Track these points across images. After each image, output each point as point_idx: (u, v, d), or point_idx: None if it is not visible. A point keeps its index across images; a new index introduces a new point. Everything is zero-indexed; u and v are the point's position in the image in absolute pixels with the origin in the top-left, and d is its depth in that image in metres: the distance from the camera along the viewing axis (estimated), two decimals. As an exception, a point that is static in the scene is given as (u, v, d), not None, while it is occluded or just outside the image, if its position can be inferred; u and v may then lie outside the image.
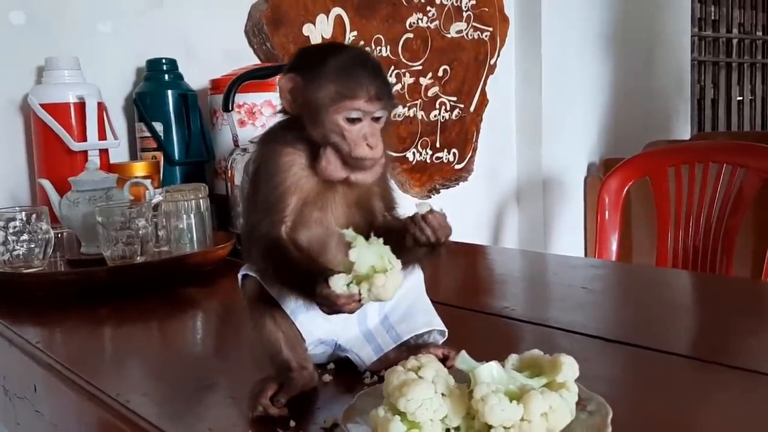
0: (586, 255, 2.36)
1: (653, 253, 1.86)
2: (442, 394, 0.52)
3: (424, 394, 0.51)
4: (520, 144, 2.36)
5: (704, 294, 1.16)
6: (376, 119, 0.68)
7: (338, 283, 0.61)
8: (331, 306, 0.61)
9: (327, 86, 0.67)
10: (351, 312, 0.62)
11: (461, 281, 1.30)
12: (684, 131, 2.76)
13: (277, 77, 1.51)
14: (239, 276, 0.71)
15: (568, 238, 2.38)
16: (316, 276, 0.62)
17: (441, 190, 2.17)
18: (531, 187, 2.36)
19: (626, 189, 1.87)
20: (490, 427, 0.50)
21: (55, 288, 1.12)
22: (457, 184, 2.21)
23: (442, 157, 2.15)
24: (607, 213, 1.86)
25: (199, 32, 1.72)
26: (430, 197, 2.15)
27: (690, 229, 1.81)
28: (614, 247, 1.86)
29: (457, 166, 2.19)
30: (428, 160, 2.12)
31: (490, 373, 0.52)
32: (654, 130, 2.59)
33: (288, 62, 0.74)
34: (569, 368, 0.55)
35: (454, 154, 2.18)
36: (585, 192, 2.44)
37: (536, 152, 2.33)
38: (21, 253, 1.19)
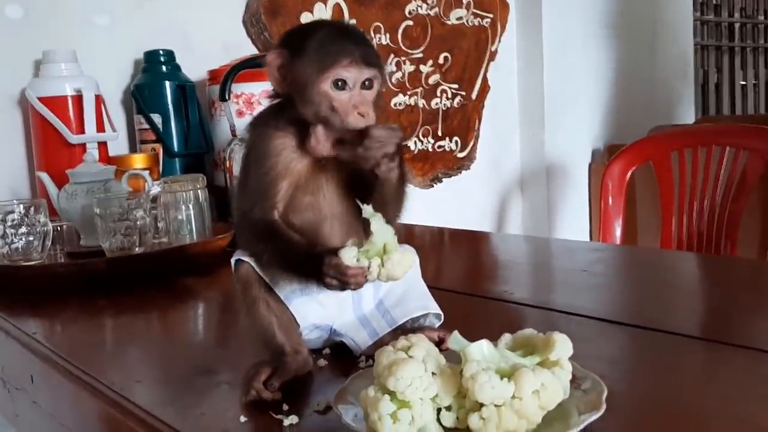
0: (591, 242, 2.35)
1: (659, 238, 1.84)
2: (433, 373, 0.52)
3: (414, 373, 0.50)
4: (522, 131, 2.35)
5: (707, 274, 1.15)
6: (366, 87, 0.67)
7: (349, 255, 0.60)
8: (339, 277, 0.61)
9: (311, 57, 0.66)
10: (357, 286, 0.62)
11: (462, 267, 1.29)
12: (688, 116, 2.74)
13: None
14: (232, 261, 0.70)
15: (573, 226, 2.36)
16: (322, 252, 0.62)
17: (443, 179, 2.16)
18: (534, 174, 2.35)
19: (629, 174, 1.86)
20: (482, 405, 0.50)
21: (54, 280, 1.11)
22: (460, 172, 2.19)
23: (444, 146, 2.14)
24: (610, 199, 1.85)
25: (197, 23, 1.71)
26: (433, 186, 2.14)
27: (694, 214, 1.79)
28: (618, 233, 1.85)
29: (460, 155, 2.18)
30: (430, 149, 2.11)
31: (480, 351, 0.52)
32: (658, 116, 2.57)
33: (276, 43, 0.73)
34: (562, 346, 0.54)
35: (456, 142, 2.16)
36: (589, 179, 2.42)
37: (539, 139, 2.31)
38: (20, 246, 1.19)
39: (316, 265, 0.62)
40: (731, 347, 0.72)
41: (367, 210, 0.62)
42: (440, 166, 2.14)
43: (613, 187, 1.85)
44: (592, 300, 0.94)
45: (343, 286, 0.62)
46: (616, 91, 2.49)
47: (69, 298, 1.07)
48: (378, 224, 0.62)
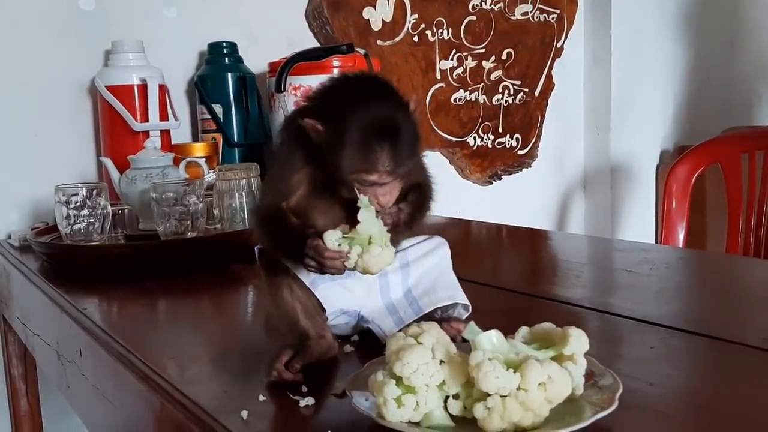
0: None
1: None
2: (441, 361, 0.52)
3: (421, 359, 0.50)
4: (587, 130, 2.30)
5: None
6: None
7: (331, 238, 0.61)
8: (317, 258, 0.62)
9: (345, 156, 0.65)
10: (333, 270, 0.63)
11: (517, 265, 1.28)
12: (767, 118, 2.62)
13: (332, 59, 1.53)
14: (256, 249, 0.72)
15: (638, 228, 2.30)
16: (310, 232, 0.64)
17: (503, 177, 2.14)
18: (598, 174, 2.30)
19: (696, 176, 1.79)
20: (488, 395, 0.49)
21: (108, 260, 1.16)
22: (520, 170, 2.17)
23: (504, 143, 2.12)
24: (674, 202, 1.80)
25: (261, 16, 1.75)
26: (492, 183, 2.12)
27: (763, 218, 1.72)
28: (681, 236, 1.79)
29: (520, 152, 2.15)
30: (490, 146, 2.09)
31: (489, 340, 0.51)
32: (735, 117, 2.47)
33: (313, 93, 0.72)
34: (577, 341, 0.54)
35: (517, 139, 2.14)
36: (657, 181, 2.35)
37: (604, 138, 2.26)
38: (81, 227, 1.24)
39: (300, 246, 0.63)
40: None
41: (363, 200, 0.63)
42: (500, 163, 2.12)
43: (677, 190, 1.79)
44: (651, 305, 0.90)
45: (321, 268, 0.62)
46: (689, 90, 2.41)
47: (122, 278, 1.11)
48: (366, 215, 0.62)
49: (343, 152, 0.65)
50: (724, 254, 1.72)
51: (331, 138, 0.66)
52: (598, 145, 2.28)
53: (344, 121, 0.65)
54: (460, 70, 2.00)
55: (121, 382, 0.76)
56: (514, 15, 2.08)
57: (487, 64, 2.05)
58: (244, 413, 0.58)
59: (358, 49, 1.53)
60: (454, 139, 2.02)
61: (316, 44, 1.80)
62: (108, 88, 1.49)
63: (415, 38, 1.92)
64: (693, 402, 0.60)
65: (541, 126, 2.19)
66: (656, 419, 0.55)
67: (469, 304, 0.74)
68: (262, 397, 0.61)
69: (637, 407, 0.55)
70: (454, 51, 1.98)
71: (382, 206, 0.66)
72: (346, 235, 0.62)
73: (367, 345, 0.73)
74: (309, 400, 0.60)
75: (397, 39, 1.89)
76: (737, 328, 0.77)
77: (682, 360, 0.70)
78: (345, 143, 0.65)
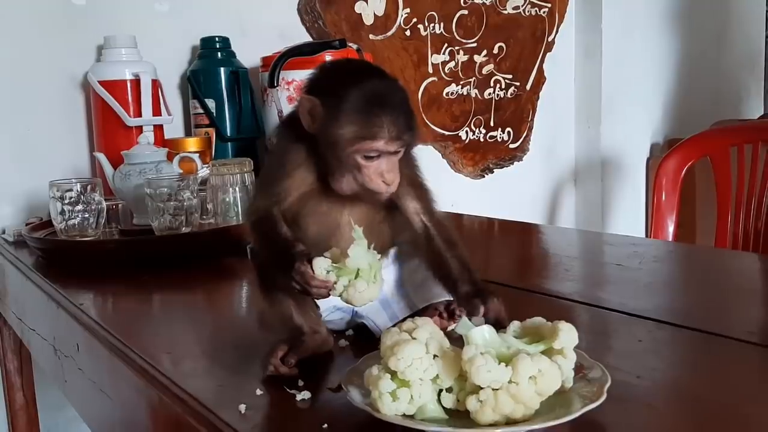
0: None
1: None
2: (435, 356, 0.53)
3: (415, 354, 0.52)
4: (578, 123, 2.31)
5: (762, 275, 1.11)
6: (395, 152, 0.67)
7: (320, 266, 0.62)
8: (302, 284, 0.63)
9: (346, 124, 0.65)
10: (319, 297, 0.64)
11: (509, 259, 1.29)
12: (756, 111, 2.64)
13: (325, 54, 1.54)
14: (248, 248, 0.73)
15: (628, 221, 2.32)
16: (299, 253, 0.64)
17: (495, 170, 2.15)
18: (589, 168, 2.31)
19: (685, 170, 1.81)
20: (480, 388, 0.51)
21: (103, 256, 1.17)
22: (512, 163, 2.18)
23: (496, 136, 2.13)
24: (663, 195, 1.81)
25: (253, 10, 1.75)
26: (483, 177, 2.14)
27: (752, 212, 1.74)
28: (671, 229, 1.81)
29: (512, 146, 2.17)
30: (482, 139, 2.10)
31: (482, 335, 0.53)
32: (724, 110, 2.49)
33: (308, 78, 0.71)
34: (566, 335, 0.55)
35: (509, 133, 2.15)
36: (647, 174, 2.37)
37: (595, 132, 2.28)
38: (76, 222, 1.25)
39: (288, 265, 0.63)
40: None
41: (357, 232, 0.63)
42: (491, 157, 2.13)
43: (667, 183, 1.81)
44: (639, 298, 0.91)
45: (307, 294, 0.63)
46: (678, 83, 2.43)
47: (118, 273, 1.12)
48: (358, 249, 0.62)
49: (344, 121, 0.65)
50: (711, 248, 1.74)
51: (331, 110, 0.65)
52: (589, 138, 2.30)
53: (343, 92, 0.65)
54: (452, 64, 2.01)
55: (118, 376, 0.77)
56: (506, 9, 2.09)
57: (478, 58, 2.06)
58: (242, 407, 0.59)
59: (350, 44, 1.54)
60: (446, 132, 2.04)
61: (309, 39, 1.81)
62: (101, 83, 1.49)
63: (407, 32, 1.92)
64: (679, 394, 0.61)
65: (532, 120, 2.20)
66: (643, 411, 0.56)
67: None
68: (259, 391, 0.63)
69: (625, 399, 0.57)
70: (446, 45, 1.99)
71: (389, 184, 0.66)
72: (335, 265, 0.62)
73: (362, 340, 0.75)
74: (305, 394, 0.61)
75: (389, 33, 1.89)
76: (724, 321, 0.79)
77: (669, 353, 0.72)
78: (345, 111, 0.64)
